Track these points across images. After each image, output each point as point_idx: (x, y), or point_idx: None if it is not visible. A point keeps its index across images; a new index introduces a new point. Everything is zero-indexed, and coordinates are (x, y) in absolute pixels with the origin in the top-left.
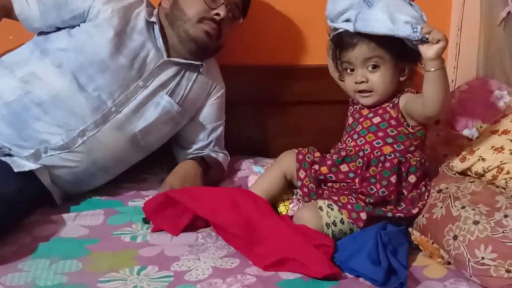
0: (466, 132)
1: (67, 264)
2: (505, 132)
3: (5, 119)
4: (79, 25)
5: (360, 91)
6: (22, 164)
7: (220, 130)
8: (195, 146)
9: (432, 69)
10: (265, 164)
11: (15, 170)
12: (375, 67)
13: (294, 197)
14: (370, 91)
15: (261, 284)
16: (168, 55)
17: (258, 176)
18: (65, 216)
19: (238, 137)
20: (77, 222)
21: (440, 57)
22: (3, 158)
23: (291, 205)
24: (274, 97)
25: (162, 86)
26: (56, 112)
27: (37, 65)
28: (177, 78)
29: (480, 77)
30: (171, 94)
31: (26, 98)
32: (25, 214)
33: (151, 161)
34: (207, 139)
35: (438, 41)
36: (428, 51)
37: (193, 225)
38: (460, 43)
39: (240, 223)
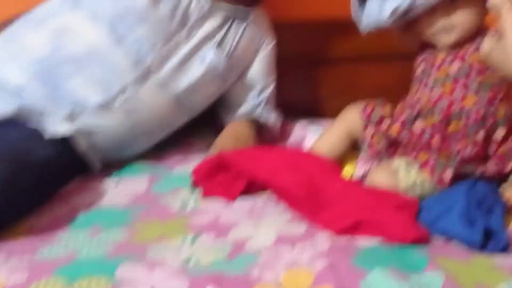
0: None
1: (111, 234)
2: None
3: (37, 77)
4: None
5: (440, 30)
6: (55, 127)
7: (271, 87)
8: (245, 106)
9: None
10: (322, 125)
11: (46, 137)
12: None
13: (361, 156)
14: (452, 28)
15: (338, 251)
16: (211, 3)
17: (315, 136)
18: (106, 183)
19: (288, 98)
20: (119, 189)
21: None
22: (35, 122)
23: (358, 166)
24: (326, 54)
25: (208, 37)
26: (92, 67)
27: (69, 18)
28: (224, 29)
29: None
30: (218, 47)
31: (59, 53)
32: (61, 183)
33: (197, 124)
34: (257, 97)
35: None
36: None
37: (249, 191)
38: None
39: (304, 183)
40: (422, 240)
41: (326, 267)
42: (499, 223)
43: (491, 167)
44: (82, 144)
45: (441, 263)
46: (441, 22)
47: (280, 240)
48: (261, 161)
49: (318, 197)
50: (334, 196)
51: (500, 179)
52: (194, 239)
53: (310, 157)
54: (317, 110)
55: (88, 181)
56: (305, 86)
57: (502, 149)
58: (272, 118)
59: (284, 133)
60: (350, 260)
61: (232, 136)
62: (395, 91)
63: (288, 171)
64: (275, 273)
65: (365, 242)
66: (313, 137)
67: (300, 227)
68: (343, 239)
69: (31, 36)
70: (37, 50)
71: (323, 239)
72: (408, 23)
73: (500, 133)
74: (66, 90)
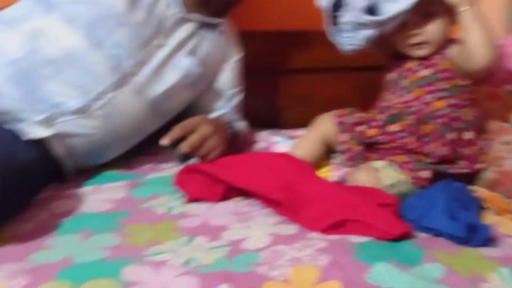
0: (509, 88)
1: (102, 238)
2: None
3: (12, 79)
4: None
5: (413, 44)
6: (32, 131)
7: (240, 96)
8: (213, 115)
9: (462, 9)
10: (284, 135)
11: (24, 137)
12: (427, 15)
13: (334, 162)
14: (425, 43)
15: (337, 248)
16: (184, 12)
17: (281, 146)
18: (82, 190)
19: (247, 108)
20: (98, 196)
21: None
22: (11, 125)
23: (333, 172)
24: (285, 65)
25: (181, 45)
26: (70, 71)
27: (43, 21)
28: (196, 38)
29: None
30: (191, 55)
31: (35, 55)
32: (39, 188)
33: (161, 134)
34: (227, 106)
35: None
36: None
37: (228, 196)
38: None
39: (281, 186)
40: (406, 235)
41: (330, 263)
42: (477, 219)
43: (461, 167)
44: (58, 149)
45: (436, 255)
46: (415, 39)
47: (276, 240)
48: (237, 168)
49: (297, 198)
50: (313, 195)
51: (469, 178)
52: (188, 242)
53: (287, 159)
54: (275, 120)
55: (63, 189)
56: (262, 96)
57: (470, 151)
58: (241, 127)
59: (248, 143)
60: (351, 256)
61: (209, 120)
62: (351, 102)
63: (264, 176)
64: (281, 270)
65: (359, 239)
66: (281, 146)
67: (290, 229)
68: (337, 237)
69: (4, 38)
70: (11, 52)
71: (318, 238)
72: (383, 39)
73: (467, 135)
74: (42, 93)
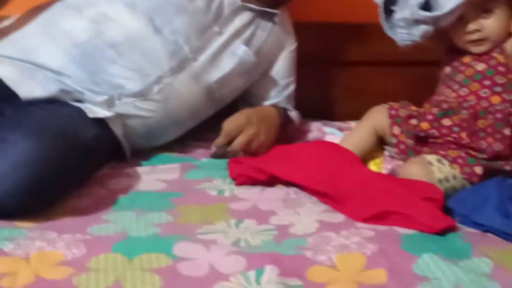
0: None
1: (155, 216)
2: None
3: (76, 61)
4: None
5: (472, 41)
6: (94, 111)
7: (292, 87)
8: (267, 103)
9: None
10: (336, 126)
11: (90, 115)
12: (487, 11)
13: (386, 154)
14: (484, 40)
15: (384, 237)
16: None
17: (332, 137)
18: (139, 169)
19: (300, 99)
20: (153, 176)
21: None
22: (75, 104)
23: (384, 164)
24: (340, 57)
25: (237, 34)
26: (131, 55)
27: (107, 6)
28: (252, 27)
29: None
30: (247, 44)
31: (98, 38)
32: (98, 165)
33: (214, 120)
34: (280, 95)
35: None
36: None
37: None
38: None
39: (326, 178)
40: (450, 229)
41: (376, 251)
42: None
43: None
44: (118, 129)
45: (484, 251)
46: (473, 35)
47: (323, 227)
48: (283, 160)
49: (341, 189)
50: (357, 185)
51: None
52: (237, 224)
53: (332, 149)
54: (327, 111)
55: (120, 167)
56: (317, 87)
57: None
58: (293, 116)
59: (299, 133)
60: (398, 246)
61: (261, 111)
62: (405, 96)
63: (310, 168)
64: (328, 256)
65: (406, 230)
66: (333, 137)
67: (338, 217)
68: (384, 228)
69: (70, 21)
70: (77, 35)
71: (365, 227)
72: (440, 33)
73: None
74: (105, 75)
